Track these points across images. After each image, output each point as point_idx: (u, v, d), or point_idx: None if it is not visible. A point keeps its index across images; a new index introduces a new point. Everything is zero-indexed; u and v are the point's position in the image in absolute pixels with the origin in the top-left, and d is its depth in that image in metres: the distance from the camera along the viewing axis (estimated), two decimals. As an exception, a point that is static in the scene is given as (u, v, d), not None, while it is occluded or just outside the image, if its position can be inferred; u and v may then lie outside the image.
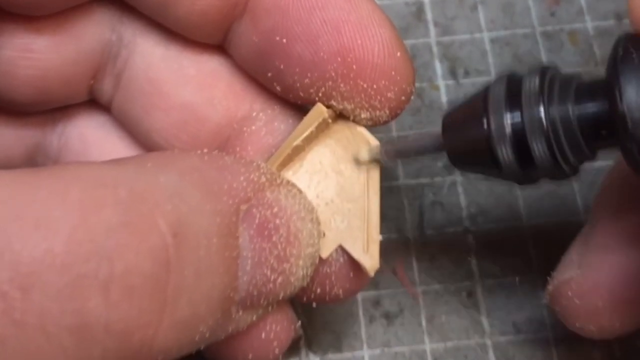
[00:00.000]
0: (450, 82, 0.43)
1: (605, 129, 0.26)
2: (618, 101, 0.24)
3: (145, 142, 0.33)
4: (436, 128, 0.29)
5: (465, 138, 0.28)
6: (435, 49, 0.44)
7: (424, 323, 0.38)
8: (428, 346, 0.37)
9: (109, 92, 0.33)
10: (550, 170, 0.27)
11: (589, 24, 0.44)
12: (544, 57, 0.43)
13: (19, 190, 0.22)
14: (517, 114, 0.27)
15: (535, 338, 0.37)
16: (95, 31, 0.32)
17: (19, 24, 0.30)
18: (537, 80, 0.27)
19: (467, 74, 0.43)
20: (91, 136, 0.34)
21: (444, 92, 0.43)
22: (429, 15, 0.44)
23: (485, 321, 0.38)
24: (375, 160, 0.31)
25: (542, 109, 0.26)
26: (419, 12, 0.44)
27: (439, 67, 0.43)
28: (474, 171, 0.30)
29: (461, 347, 0.37)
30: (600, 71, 0.42)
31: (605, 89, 0.25)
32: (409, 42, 0.43)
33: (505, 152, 0.27)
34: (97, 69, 0.33)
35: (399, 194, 0.40)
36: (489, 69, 0.43)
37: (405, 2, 0.45)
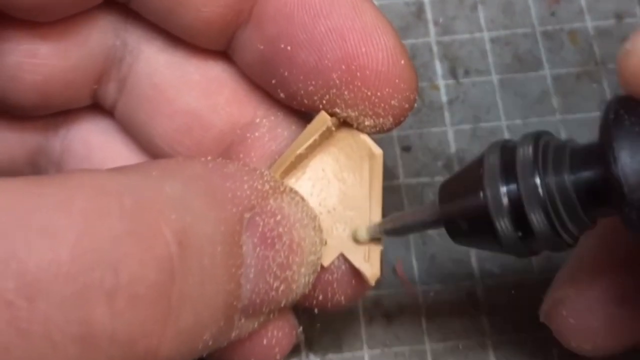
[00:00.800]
0: (450, 81, 0.43)
1: (602, 195, 0.25)
2: (612, 166, 0.24)
3: (148, 147, 0.34)
4: (433, 202, 0.29)
5: (462, 212, 0.28)
6: (435, 49, 0.44)
7: (424, 323, 0.38)
8: (428, 346, 0.37)
9: (113, 97, 0.33)
10: (550, 240, 0.26)
11: (589, 24, 0.44)
12: (544, 57, 0.43)
13: (24, 198, 0.23)
14: (513, 185, 0.26)
15: (535, 338, 0.37)
16: (99, 37, 0.32)
17: (24, 30, 0.30)
18: (530, 149, 0.26)
19: (467, 73, 0.43)
20: (94, 140, 0.34)
21: (444, 92, 0.43)
22: (429, 15, 0.44)
23: (485, 321, 0.38)
24: (374, 239, 0.31)
25: (537, 179, 0.26)
26: (419, 11, 0.44)
27: (439, 67, 0.43)
28: (474, 245, 0.30)
29: (461, 346, 0.37)
30: (600, 71, 0.43)
31: (599, 154, 0.25)
32: (409, 41, 0.43)
33: (503, 225, 0.26)
34: (101, 74, 0.33)
35: (399, 193, 0.40)
36: (489, 69, 0.43)
37: (405, 2, 0.45)
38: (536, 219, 0.26)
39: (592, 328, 0.31)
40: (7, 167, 0.34)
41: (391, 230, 0.30)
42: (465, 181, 0.28)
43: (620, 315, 0.31)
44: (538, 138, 0.27)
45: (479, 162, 0.27)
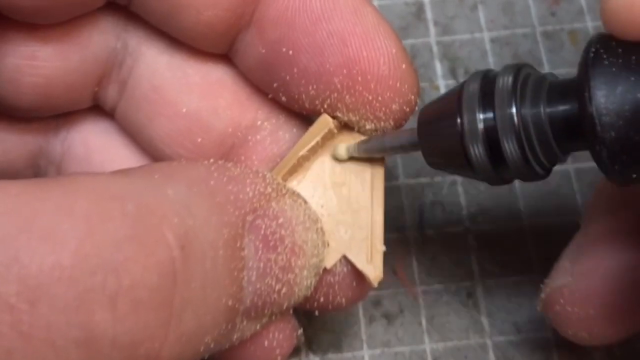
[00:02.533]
0: (450, 82, 0.43)
1: (576, 131, 0.25)
2: (587, 104, 0.24)
3: (148, 149, 0.34)
4: (412, 127, 0.29)
5: (438, 136, 0.28)
6: (435, 49, 0.44)
7: (424, 323, 0.38)
8: (428, 346, 0.37)
9: (113, 99, 0.33)
10: (522, 170, 0.27)
11: (589, 24, 0.44)
12: (544, 57, 0.43)
13: (26, 201, 0.23)
14: (490, 113, 0.26)
15: (535, 338, 0.37)
16: (100, 39, 0.32)
17: (25, 32, 0.30)
18: (510, 80, 0.26)
19: (467, 73, 0.43)
20: (94, 142, 0.34)
21: (444, 92, 0.42)
22: (429, 15, 0.44)
23: (485, 321, 0.38)
24: (352, 157, 0.31)
25: (514, 109, 0.26)
26: (419, 11, 0.44)
27: (439, 67, 0.43)
28: (448, 171, 0.30)
29: (461, 347, 0.37)
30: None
31: (576, 90, 0.25)
32: (409, 41, 0.43)
33: (477, 151, 0.27)
34: (102, 76, 0.33)
35: (399, 193, 0.40)
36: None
37: (405, 2, 0.45)
38: (509, 147, 0.26)
39: (590, 316, 0.31)
40: (7, 168, 0.34)
41: (369, 150, 0.31)
42: (443, 106, 0.28)
43: (618, 304, 0.31)
44: (519, 69, 0.27)
45: (459, 90, 0.28)
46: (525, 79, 0.27)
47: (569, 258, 0.32)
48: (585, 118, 0.24)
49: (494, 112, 0.26)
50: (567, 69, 0.43)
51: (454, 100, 0.28)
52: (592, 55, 0.25)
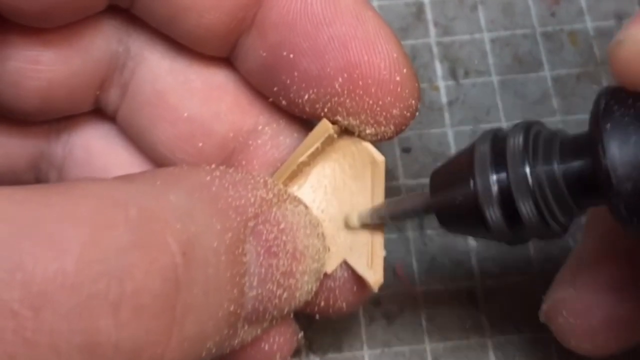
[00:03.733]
0: (450, 82, 0.43)
1: (591, 186, 0.25)
2: (601, 157, 0.24)
3: (150, 153, 0.34)
4: (424, 191, 0.29)
5: (452, 200, 0.28)
6: (435, 50, 0.44)
7: (424, 323, 0.38)
8: (428, 346, 0.38)
9: (115, 103, 0.33)
10: (539, 229, 0.26)
11: (589, 25, 0.44)
12: (544, 58, 0.43)
13: (30, 208, 0.23)
14: (503, 174, 0.26)
15: (535, 337, 0.37)
16: (102, 43, 0.32)
17: (27, 36, 0.30)
18: (521, 138, 0.26)
19: (467, 74, 0.43)
20: (96, 146, 0.34)
21: (444, 92, 0.43)
22: (429, 16, 0.44)
23: (485, 321, 0.38)
24: (365, 225, 0.31)
25: (527, 168, 0.26)
26: (419, 12, 0.44)
27: (439, 68, 0.43)
28: (464, 232, 0.30)
29: (461, 346, 0.38)
30: (601, 72, 0.43)
31: (589, 144, 0.25)
32: (409, 42, 0.43)
33: (492, 213, 0.26)
34: (104, 79, 0.33)
35: (399, 193, 0.40)
36: (489, 70, 0.43)
37: (405, 3, 0.45)
38: (525, 208, 0.26)
39: (592, 328, 0.31)
40: (8, 172, 0.34)
41: (382, 217, 0.31)
42: (456, 169, 0.28)
43: (620, 315, 0.31)
44: (529, 127, 0.27)
45: (470, 151, 0.28)
46: (536, 137, 0.27)
47: (571, 270, 0.32)
48: (600, 172, 0.24)
49: (507, 173, 0.26)
50: (567, 70, 0.43)
51: (465, 162, 0.27)
52: (602, 107, 0.24)
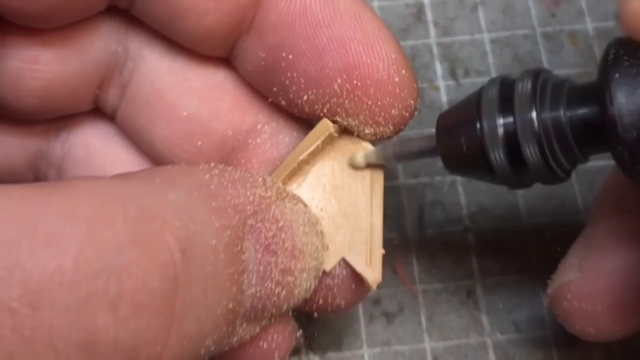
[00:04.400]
0: (451, 82, 0.43)
1: (596, 133, 0.26)
2: (608, 105, 0.24)
3: (149, 152, 0.34)
4: (431, 131, 0.30)
5: (458, 142, 0.28)
6: (435, 50, 0.44)
7: (423, 322, 0.38)
8: (428, 345, 0.38)
9: (114, 102, 0.34)
10: (542, 173, 0.27)
11: (589, 25, 0.44)
12: (544, 58, 0.43)
13: (28, 206, 0.23)
14: (510, 118, 0.27)
15: (535, 337, 0.37)
16: (101, 43, 0.32)
17: (26, 36, 0.30)
18: (529, 84, 0.27)
19: (467, 74, 0.43)
20: (95, 145, 0.34)
21: (444, 92, 0.43)
22: (429, 16, 0.44)
23: (485, 320, 0.38)
24: (370, 165, 0.31)
25: (534, 113, 0.26)
26: (419, 13, 0.45)
27: (439, 68, 0.43)
28: (468, 175, 0.30)
29: (461, 346, 0.38)
30: (600, 72, 0.42)
31: (597, 93, 0.25)
32: (409, 43, 0.44)
33: (498, 156, 0.27)
34: (103, 79, 0.33)
35: (399, 193, 0.41)
36: (489, 70, 0.43)
37: (405, 3, 0.45)
38: (530, 151, 0.26)
39: (597, 312, 0.31)
40: (7, 171, 0.34)
41: (388, 157, 0.31)
42: (463, 112, 0.28)
43: (625, 300, 0.31)
44: (538, 74, 0.27)
45: (478, 95, 0.28)
46: (544, 84, 0.27)
47: (577, 254, 0.32)
48: (606, 119, 0.24)
49: (514, 117, 0.26)
50: (567, 70, 0.43)
51: (472, 106, 0.28)
52: (612, 57, 0.25)
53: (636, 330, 0.31)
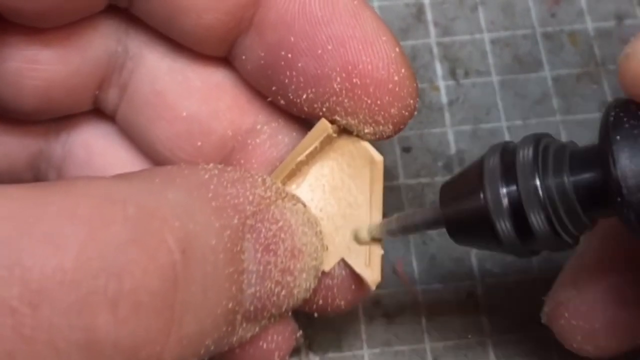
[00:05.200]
0: (451, 82, 0.43)
1: (602, 197, 0.25)
2: (612, 168, 0.24)
3: (149, 152, 0.34)
4: (434, 204, 0.29)
5: (462, 212, 0.28)
6: (435, 50, 0.44)
7: (424, 322, 0.38)
8: (428, 345, 0.38)
9: (114, 102, 0.34)
10: (550, 241, 0.27)
11: (589, 25, 0.44)
12: (544, 58, 0.43)
13: (29, 205, 0.23)
14: (513, 186, 0.26)
15: (535, 337, 0.37)
16: (101, 43, 0.32)
17: (26, 36, 0.30)
18: (531, 151, 0.26)
19: (467, 74, 0.43)
20: (95, 145, 0.35)
21: (444, 93, 0.43)
22: (429, 16, 0.44)
23: (485, 320, 0.38)
24: (375, 238, 0.31)
25: (537, 180, 0.26)
26: (419, 13, 0.45)
27: (439, 68, 0.43)
28: (474, 245, 0.30)
29: (461, 346, 0.38)
30: (601, 72, 0.43)
31: (599, 156, 0.25)
32: (409, 43, 0.44)
33: (504, 226, 0.27)
34: (103, 79, 0.33)
35: (399, 193, 0.41)
36: (489, 70, 0.43)
37: (405, 3, 0.45)
38: (536, 220, 0.26)
39: (594, 329, 0.31)
40: (7, 171, 0.34)
41: (392, 231, 0.31)
42: (465, 182, 0.28)
43: (622, 317, 0.31)
44: (538, 140, 0.27)
45: (480, 164, 0.28)
46: (546, 149, 0.27)
47: (573, 271, 0.33)
48: (611, 182, 0.24)
49: (517, 185, 0.26)
50: (567, 70, 0.43)
51: (475, 175, 0.27)
52: (612, 119, 0.25)
53: (633, 348, 0.31)
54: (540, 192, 0.26)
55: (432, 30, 0.44)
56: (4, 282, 0.21)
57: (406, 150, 0.41)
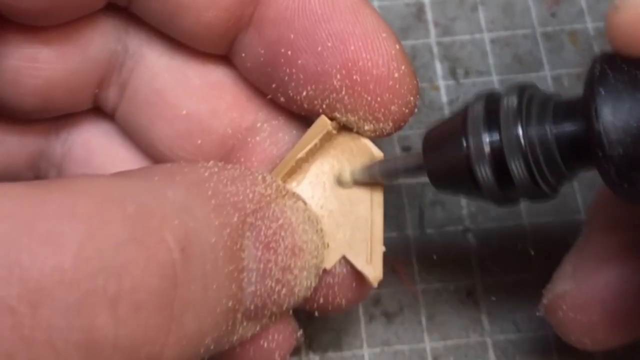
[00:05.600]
0: (451, 82, 0.43)
1: (583, 149, 0.25)
2: (594, 122, 0.24)
3: (149, 151, 0.34)
4: (417, 151, 0.29)
5: (444, 158, 0.28)
6: (435, 50, 0.44)
7: (424, 321, 0.38)
8: (428, 345, 0.38)
9: (114, 101, 0.34)
10: (529, 190, 0.27)
11: (589, 25, 0.44)
12: (544, 58, 0.43)
13: (27, 204, 0.23)
14: (496, 134, 0.26)
15: (535, 336, 0.37)
16: (101, 41, 0.32)
17: (26, 34, 0.30)
18: (515, 100, 0.26)
19: (467, 74, 0.43)
20: (95, 144, 0.34)
21: (444, 92, 0.43)
22: (429, 16, 0.44)
23: (485, 319, 0.38)
24: (356, 182, 0.31)
25: (520, 129, 0.26)
26: (419, 12, 0.45)
27: (439, 68, 0.43)
28: (455, 192, 0.30)
29: (461, 345, 0.38)
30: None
31: (582, 109, 0.25)
32: (409, 42, 0.44)
33: (484, 172, 0.27)
34: (102, 78, 0.33)
35: (399, 192, 0.41)
36: (489, 70, 0.43)
37: (405, 3, 0.45)
38: (516, 167, 0.26)
39: (592, 322, 0.31)
40: (7, 170, 0.34)
41: (375, 176, 0.31)
42: (449, 129, 0.28)
43: (620, 310, 0.31)
44: (523, 89, 0.27)
45: (464, 111, 0.28)
46: (530, 99, 0.27)
47: (571, 264, 0.32)
48: (592, 136, 0.24)
49: (499, 133, 0.26)
50: (567, 70, 0.43)
51: (459, 122, 0.27)
52: (597, 73, 0.25)
53: (631, 340, 0.31)
54: (522, 141, 0.26)
55: (432, 29, 0.44)
56: (3, 281, 0.21)
57: (406, 149, 0.41)
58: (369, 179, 0.31)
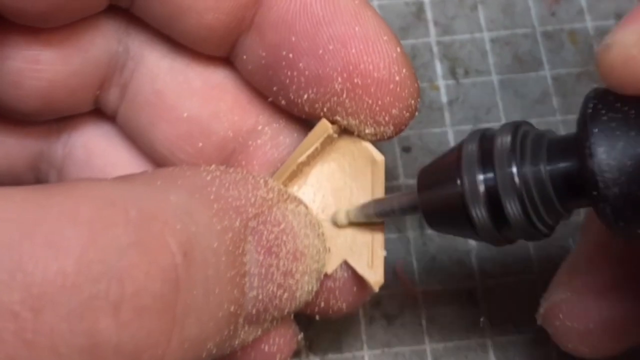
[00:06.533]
0: (451, 82, 0.43)
1: (578, 187, 0.25)
2: (588, 160, 0.24)
3: (149, 153, 0.34)
4: (412, 189, 0.29)
5: (439, 198, 0.28)
6: (435, 49, 0.44)
7: (424, 323, 0.38)
8: (428, 346, 0.38)
9: (115, 103, 0.33)
10: (525, 230, 0.26)
11: (589, 24, 0.44)
12: (544, 57, 0.43)
13: (29, 208, 0.23)
14: (490, 173, 0.26)
15: (535, 338, 0.37)
16: (102, 43, 0.32)
17: (27, 36, 0.30)
18: (509, 138, 0.26)
19: (467, 74, 0.43)
20: (96, 145, 0.34)
21: (444, 92, 0.43)
22: (429, 15, 0.44)
23: (485, 321, 0.38)
24: (352, 223, 0.31)
25: (514, 168, 0.26)
26: (419, 11, 0.44)
27: (439, 67, 0.43)
28: (450, 232, 0.29)
29: (461, 347, 0.38)
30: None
31: (577, 147, 0.25)
32: (409, 42, 0.43)
33: (479, 212, 0.26)
34: (103, 79, 0.33)
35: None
36: (489, 69, 0.43)
37: (405, 2, 0.45)
38: (512, 208, 0.26)
39: (589, 331, 0.31)
40: (8, 172, 0.34)
41: (370, 215, 0.31)
42: (443, 168, 0.28)
43: (617, 318, 0.31)
44: (517, 128, 0.27)
45: (458, 150, 0.27)
46: (524, 137, 0.26)
47: (567, 272, 0.32)
48: (586, 175, 0.24)
49: (494, 172, 0.26)
50: (567, 69, 0.43)
51: (453, 161, 0.27)
52: (590, 110, 0.24)
53: (629, 348, 0.31)
54: (517, 180, 0.26)
55: (432, 29, 0.44)
56: (5, 286, 0.21)
57: (406, 150, 0.41)
58: (365, 218, 0.31)
